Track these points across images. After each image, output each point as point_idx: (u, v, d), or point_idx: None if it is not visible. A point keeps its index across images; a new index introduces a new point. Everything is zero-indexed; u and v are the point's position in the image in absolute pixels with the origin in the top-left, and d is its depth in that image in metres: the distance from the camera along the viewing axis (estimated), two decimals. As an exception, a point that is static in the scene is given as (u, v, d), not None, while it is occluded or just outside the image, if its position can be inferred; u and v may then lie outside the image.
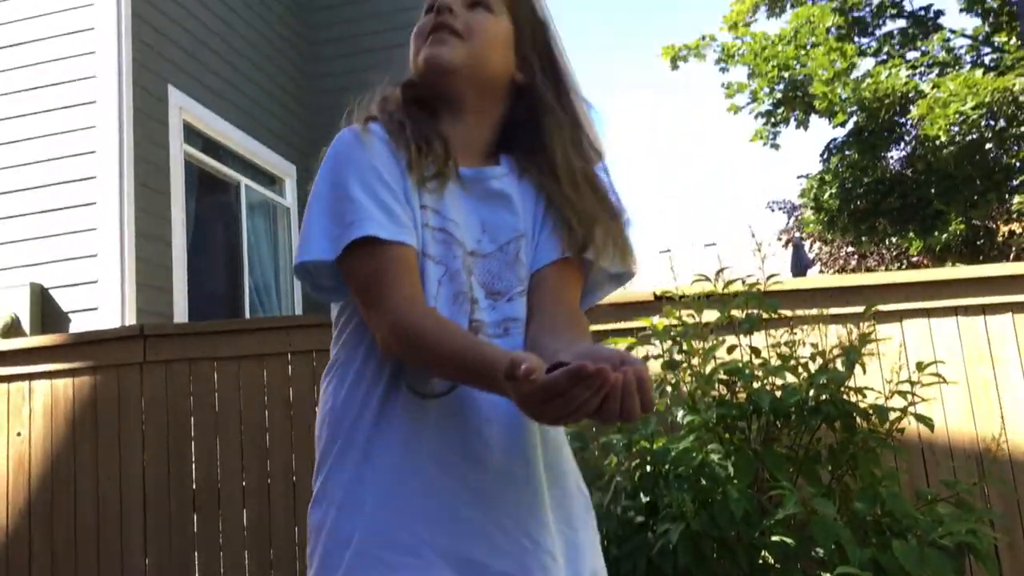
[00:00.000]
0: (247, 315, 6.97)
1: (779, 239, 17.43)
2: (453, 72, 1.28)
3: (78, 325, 5.59)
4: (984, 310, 3.43)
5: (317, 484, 1.23)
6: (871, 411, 2.59)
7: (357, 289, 1.20)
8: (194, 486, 3.64)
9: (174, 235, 6.20)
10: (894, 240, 13.18)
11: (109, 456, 3.70)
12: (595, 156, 1.36)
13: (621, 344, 3.06)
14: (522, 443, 1.21)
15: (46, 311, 5.69)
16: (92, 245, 5.73)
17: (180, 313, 6.14)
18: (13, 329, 5.46)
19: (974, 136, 10.39)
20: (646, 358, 2.97)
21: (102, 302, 5.64)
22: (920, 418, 2.61)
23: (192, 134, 6.65)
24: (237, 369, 3.71)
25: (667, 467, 2.62)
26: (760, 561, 2.51)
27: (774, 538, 2.50)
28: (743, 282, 2.90)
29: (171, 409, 3.71)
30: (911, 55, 12.62)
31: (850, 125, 12.34)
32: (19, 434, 3.76)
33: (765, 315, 2.87)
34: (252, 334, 3.80)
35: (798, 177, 13.76)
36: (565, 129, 1.33)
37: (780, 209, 18.12)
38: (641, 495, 2.71)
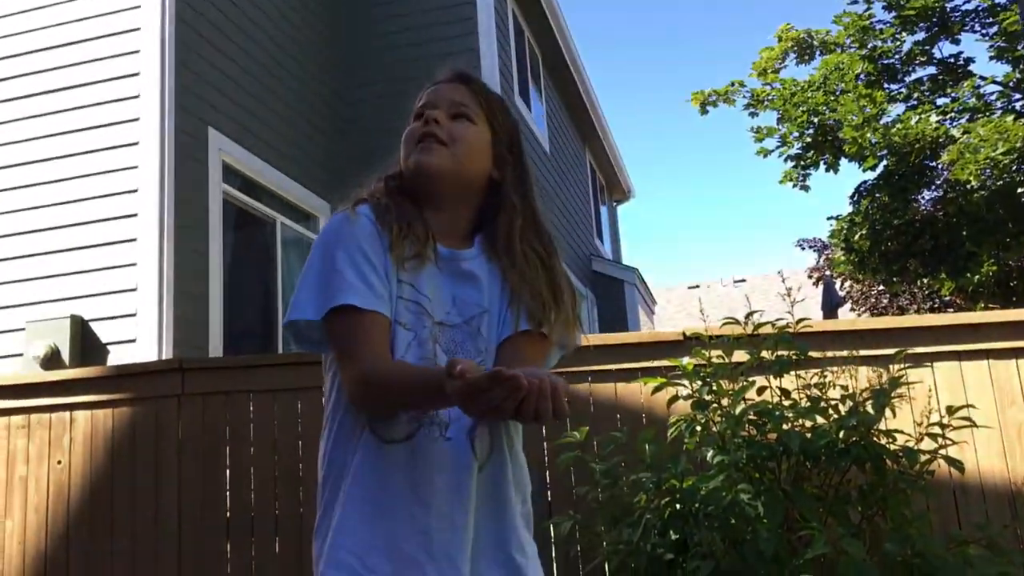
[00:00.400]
0: (280, 349, 7.07)
1: (810, 277, 17.36)
2: (439, 176, 1.50)
3: (116, 357, 5.72)
4: (1016, 353, 3.43)
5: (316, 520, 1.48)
6: (901, 453, 2.60)
7: (334, 347, 1.42)
8: (228, 515, 3.70)
9: (211, 270, 6.33)
10: (925, 280, 13.09)
11: (146, 485, 3.77)
12: (548, 243, 1.58)
13: (650, 384, 3.10)
14: (465, 491, 1.41)
15: (86, 343, 5.82)
16: (132, 279, 5.87)
17: (215, 346, 6.25)
18: (53, 360, 5.60)
19: (1006, 180, 10.35)
20: (675, 398, 3.01)
21: (140, 334, 5.76)
22: (950, 461, 2.62)
23: (230, 174, 6.82)
24: (272, 401, 3.79)
25: (697, 506, 2.65)
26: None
27: (804, 578, 2.50)
28: (773, 325, 2.94)
29: (207, 440, 3.79)
30: (941, 101, 12.64)
31: (880, 169, 12.35)
32: (59, 463, 3.85)
33: (795, 356, 2.89)
34: (287, 368, 3.88)
35: (828, 219, 13.75)
36: (524, 220, 1.54)
37: (810, 248, 18.06)
38: (671, 533, 2.73)
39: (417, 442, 1.40)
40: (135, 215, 5.99)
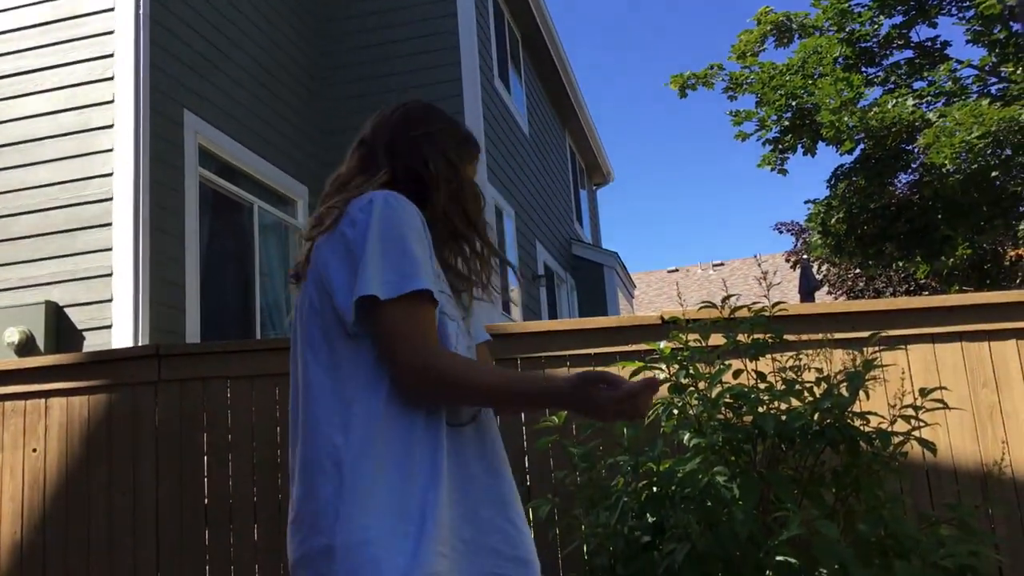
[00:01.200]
0: (258, 334, 7.04)
1: (787, 260, 17.47)
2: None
3: (92, 343, 5.67)
4: (989, 336, 3.48)
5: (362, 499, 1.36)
6: (874, 435, 2.63)
7: (391, 333, 1.38)
8: (206, 501, 3.69)
9: (187, 255, 6.28)
10: (901, 264, 13.21)
11: (123, 472, 3.75)
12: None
13: (628, 367, 3.12)
14: (507, 456, 1.56)
15: (61, 328, 5.77)
16: (108, 264, 5.81)
17: (192, 331, 6.21)
18: (28, 346, 5.54)
19: (980, 164, 10.45)
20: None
21: (116, 320, 5.71)
22: (923, 442, 2.65)
23: (207, 157, 6.75)
24: (250, 387, 3.77)
25: (673, 488, 2.67)
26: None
27: (778, 559, 2.53)
28: (748, 309, 2.95)
29: (184, 426, 3.77)
30: (918, 85, 12.71)
31: (857, 152, 12.42)
32: (35, 450, 3.82)
33: (770, 340, 2.92)
34: (266, 353, 3.86)
35: (805, 202, 13.84)
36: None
37: (788, 231, 18.17)
38: (647, 515, 2.75)
39: (480, 420, 1.49)
40: (110, 199, 5.93)
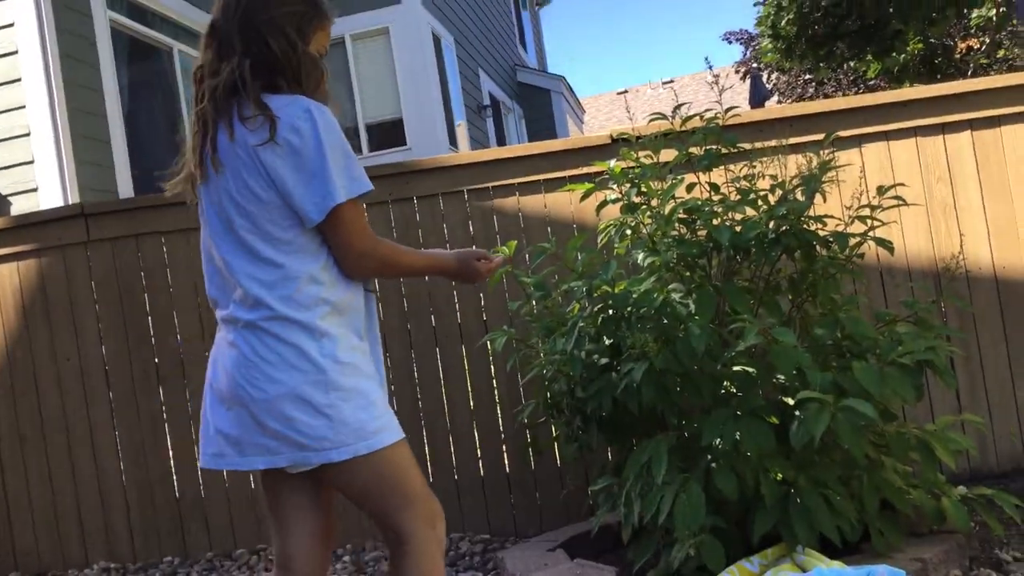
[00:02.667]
0: (196, 186, 6.77)
1: (737, 71, 17.14)
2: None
3: (21, 207, 5.40)
4: (943, 129, 3.39)
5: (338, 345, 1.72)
6: (831, 239, 2.57)
7: (350, 228, 1.69)
8: (156, 359, 3.61)
9: (108, 108, 5.91)
10: (852, 65, 12.98)
11: (65, 338, 3.63)
12: None
13: (579, 191, 2.99)
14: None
15: (-16, 195, 5.47)
16: (23, 124, 5.45)
17: (125, 189, 5.94)
18: (-49, 217, 5.26)
19: (932, -48, 10.07)
20: (604, 203, 2.91)
21: (41, 182, 5.42)
22: (880, 241, 2.61)
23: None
24: (187, 242, 3.61)
25: (629, 309, 2.61)
26: (722, 391, 2.55)
27: (736, 369, 2.53)
28: (701, 118, 2.81)
29: (123, 286, 3.62)
30: None
31: (807, -52, 11.88)
32: (-30, 323, 3.67)
33: (724, 150, 2.80)
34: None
35: (755, 4, 13.36)
36: None
37: (737, 41, 17.72)
38: (604, 338, 2.72)
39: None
40: (15, 52, 5.49)
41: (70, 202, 5.32)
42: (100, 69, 5.88)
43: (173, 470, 3.61)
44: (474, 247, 3.46)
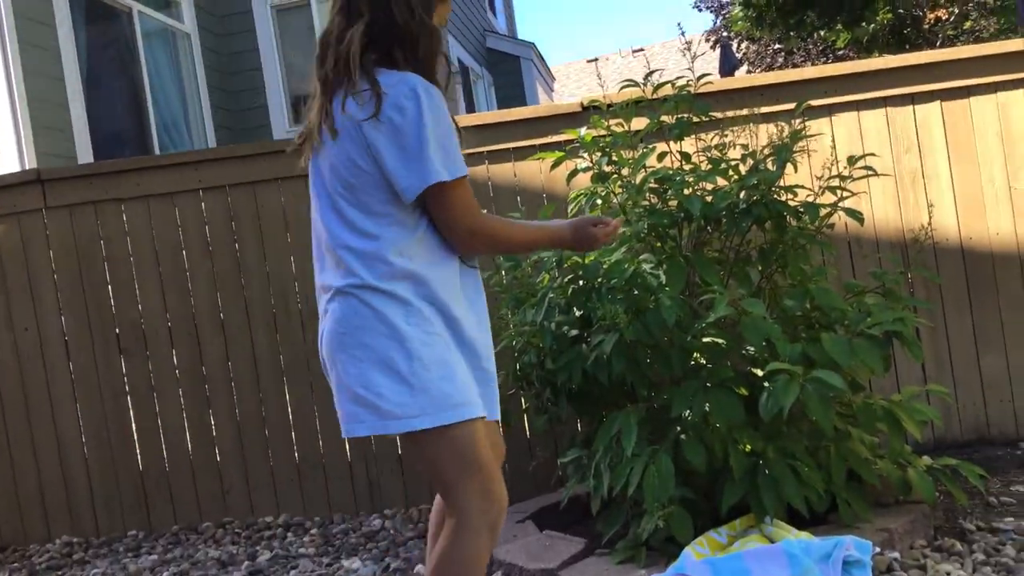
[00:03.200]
0: (157, 152, 6.61)
1: (707, 40, 17.06)
2: None
3: (-26, 174, 5.23)
4: (913, 99, 3.38)
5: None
6: (801, 209, 2.56)
7: (453, 207, 1.72)
8: (117, 331, 3.53)
9: (66, 70, 5.73)
10: (821, 34, 12.97)
11: (23, 308, 3.54)
12: None
13: (549, 159, 2.95)
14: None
15: (-64, 161, 5.30)
16: (-24, 86, 5.26)
17: (84, 155, 5.78)
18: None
19: (903, -79, 10.03)
20: (574, 172, 2.88)
21: (-4, 147, 5.26)
22: (850, 212, 2.60)
23: (69, -44, 6.01)
24: (147, 209, 3.52)
25: (600, 280, 2.59)
26: (692, 363, 2.54)
27: (705, 340, 2.51)
28: (672, 85, 2.77)
29: (81, 255, 3.53)
30: None
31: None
32: (-78, 293, 3.56)
33: (695, 119, 2.76)
34: (158, 171, 3.57)
35: (726, -26, 13.26)
36: None
37: (708, 8, 17.63)
38: (574, 310, 2.69)
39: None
40: (-36, 11, 5.28)
41: (26, 167, 5.17)
42: (56, 29, 5.70)
43: (136, 444, 3.55)
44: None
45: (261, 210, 3.51)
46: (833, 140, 3.31)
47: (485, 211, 1.83)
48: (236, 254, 3.52)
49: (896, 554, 2.32)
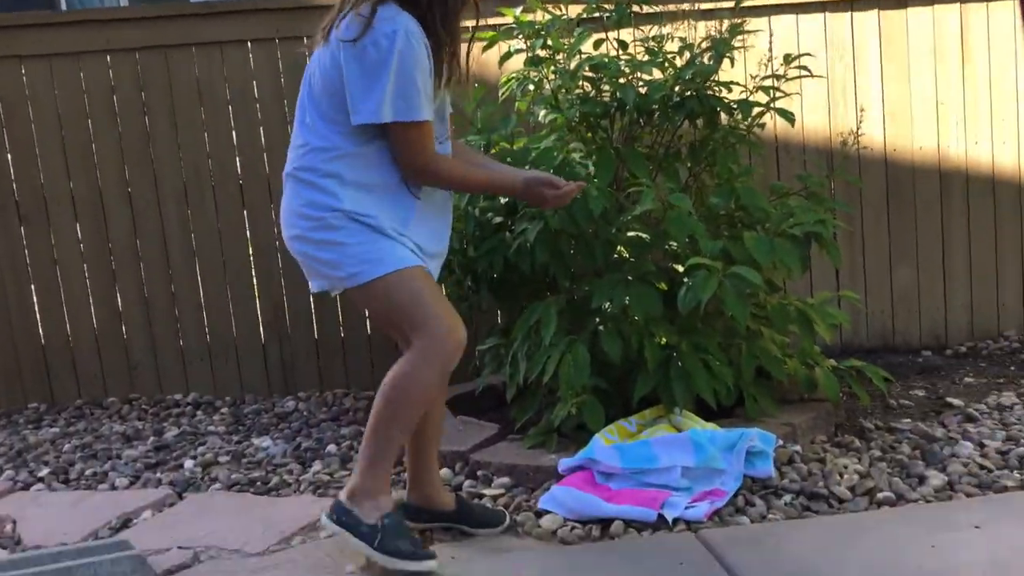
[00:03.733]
0: (64, 5, 6.19)
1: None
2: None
3: None
4: (852, 6, 3.35)
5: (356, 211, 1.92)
6: (735, 106, 2.53)
7: (401, 142, 1.89)
8: (16, 197, 3.34)
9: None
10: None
11: (-89, 168, 3.30)
12: None
13: (480, 40, 2.83)
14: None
15: None
16: None
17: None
18: None
19: None
20: (508, 55, 2.78)
21: None
22: (782, 113, 2.58)
23: None
24: (49, 69, 3.28)
25: (527, 167, 2.52)
26: (615, 256, 2.53)
27: (630, 234, 2.50)
28: (614, -31, 2.67)
29: (-23, 115, 3.30)
30: None
31: None
32: None
33: (635, 8, 2.68)
34: (63, 28, 3.32)
35: None
36: None
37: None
38: (500, 197, 2.64)
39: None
40: None
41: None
42: None
43: (37, 314, 3.41)
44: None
45: (173, 78, 3.32)
46: (771, 40, 3.27)
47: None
48: (145, 125, 3.34)
49: (798, 447, 2.40)
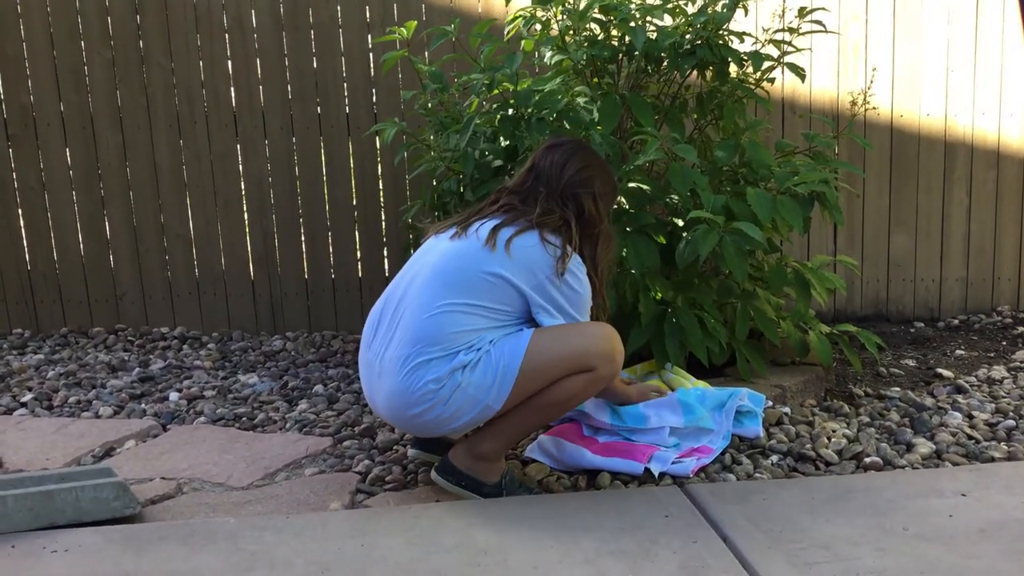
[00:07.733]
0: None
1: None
2: None
3: None
4: (869, -37, 3.27)
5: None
6: (746, 57, 2.47)
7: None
8: (4, 115, 3.26)
9: None
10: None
11: None
12: None
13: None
14: None
15: None
16: None
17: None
18: None
19: None
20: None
21: None
22: (792, 68, 2.52)
23: None
24: (42, -16, 3.19)
25: (530, 110, 2.46)
26: (615, 206, 2.48)
27: (631, 184, 2.45)
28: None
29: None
30: None
31: None
32: None
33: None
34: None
35: None
36: None
37: None
38: (501, 139, 2.58)
39: None
40: None
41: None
42: None
43: (24, 239, 3.35)
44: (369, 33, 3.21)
45: (169, 1, 3.22)
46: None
47: None
48: (139, 48, 3.25)
49: (787, 409, 2.38)
